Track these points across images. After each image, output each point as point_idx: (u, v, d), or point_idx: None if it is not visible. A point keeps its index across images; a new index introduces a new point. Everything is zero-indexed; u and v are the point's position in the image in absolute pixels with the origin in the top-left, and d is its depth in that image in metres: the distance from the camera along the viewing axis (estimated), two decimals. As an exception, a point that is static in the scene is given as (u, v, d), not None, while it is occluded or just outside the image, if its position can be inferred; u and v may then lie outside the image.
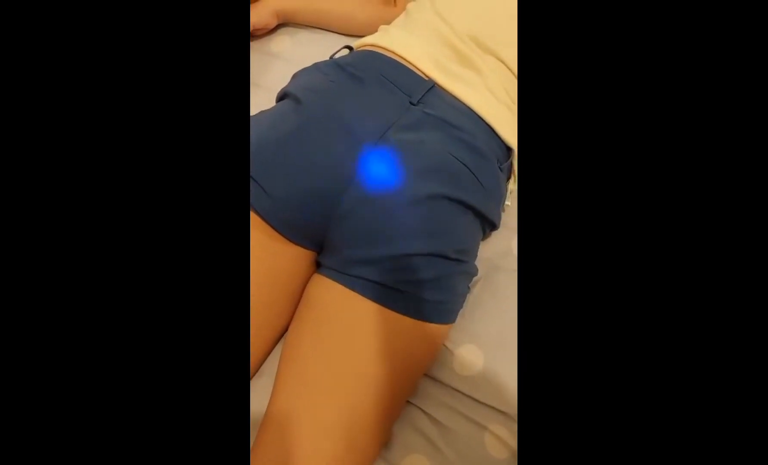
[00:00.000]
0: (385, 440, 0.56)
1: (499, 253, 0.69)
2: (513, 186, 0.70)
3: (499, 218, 0.67)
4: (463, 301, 0.63)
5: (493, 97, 0.64)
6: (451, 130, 0.60)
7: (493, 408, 0.58)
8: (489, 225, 0.66)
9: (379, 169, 0.55)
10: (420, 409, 0.59)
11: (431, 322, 0.57)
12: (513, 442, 0.56)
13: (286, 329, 0.62)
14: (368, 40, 0.70)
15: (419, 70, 0.64)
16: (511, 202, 0.71)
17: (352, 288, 0.55)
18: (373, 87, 0.61)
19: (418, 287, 0.55)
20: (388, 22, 0.74)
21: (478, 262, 0.67)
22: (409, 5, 0.73)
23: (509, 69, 0.65)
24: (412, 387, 0.59)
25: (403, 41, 0.67)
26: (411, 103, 0.61)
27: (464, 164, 0.58)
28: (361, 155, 0.56)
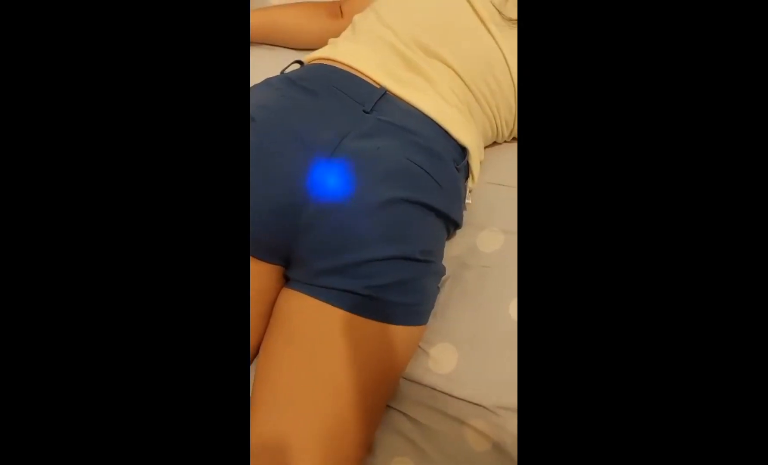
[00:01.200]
0: (368, 447, 0.57)
1: (466, 251, 0.70)
2: (472, 185, 0.71)
3: (462, 217, 0.68)
4: (434, 301, 0.64)
5: (443, 101, 0.66)
6: (405, 135, 0.61)
7: (470, 403, 0.58)
8: (452, 224, 0.67)
9: (337, 179, 0.56)
10: (400, 412, 0.59)
11: (404, 325, 0.58)
12: (493, 433, 0.56)
13: (257, 349, 0.61)
14: (318, 53, 0.71)
15: (370, 78, 0.65)
16: (472, 200, 0.73)
17: (322, 299, 0.55)
18: (326, 99, 0.61)
19: (387, 292, 0.56)
20: (337, 35, 0.75)
21: (445, 262, 0.68)
22: (356, 17, 0.74)
23: (455, 72, 0.67)
24: (390, 391, 0.59)
25: (352, 52, 0.67)
26: (364, 111, 0.62)
27: (421, 167, 0.59)
28: (318, 166, 0.56)
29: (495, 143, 0.79)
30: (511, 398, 0.58)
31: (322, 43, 0.75)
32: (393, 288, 0.56)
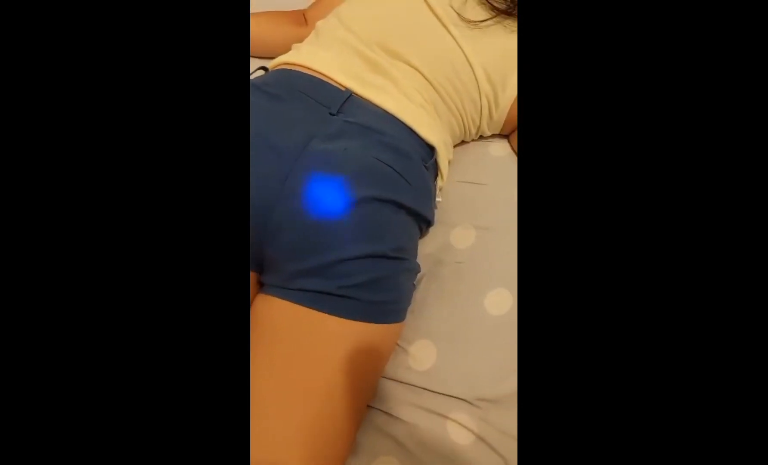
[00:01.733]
0: (350, 447, 0.56)
1: (440, 248, 0.71)
2: (442, 183, 0.72)
3: (433, 215, 0.68)
4: (410, 298, 0.64)
5: (409, 100, 0.66)
6: (373, 135, 0.61)
7: (451, 397, 0.58)
8: (424, 222, 0.67)
9: (306, 181, 0.56)
10: (382, 411, 0.59)
11: (381, 323, 0.58)
12: (475, 426, 0.57)
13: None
14: (282, 58, 0.71)
15: (335, 81, 0.65)
16: (442, 199, 0.73)
17: (297, 301, 0.55)
18: (292, 103, 0.62)
19: (361, 291, 0.55)
20: (301, 41, 0.76)
21: (420, 259, 0.69)
22: (319, 23, 0.75)
23: (419, 72, 0.68)
24: (371, 391, 0.59)
25: (317, 56, 0.68)
26: (331, 113, 0.62)
27: (390, 165, 0.60)
28: (286, 170, 0.56)
29: (463, 142, 0.80)
30: (491, 390, 0.58)
31: (287, 50, 0.75)
32: (367, 286, 0.56)
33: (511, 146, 0.80)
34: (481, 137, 0.80)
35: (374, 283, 0.56)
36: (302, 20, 0.87)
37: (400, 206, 0.60)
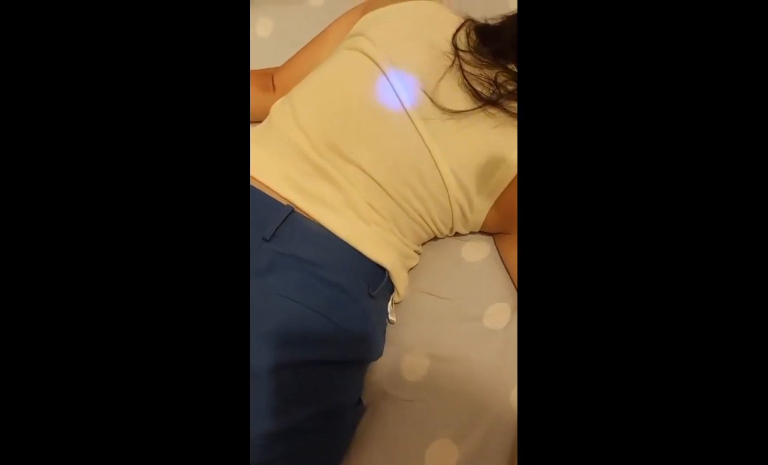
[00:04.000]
0: None
1: (387, 377, 0.63)
2: (398, 298, 0.63)
3: (379, 349, 0.61)
4: (347, 447, 0.58)
5: (357, 217, 0.57)
6: (308, 269, 0.53)
7: None
8: (366, 362, 0.60)
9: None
10: None
11: None
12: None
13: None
14: None
15: (276, 193, 0.57)
16: (396, 317, 0.65)
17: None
18: None
19: None
20: (267, 109, 0.66)
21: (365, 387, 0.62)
22: (273, 107, 0.65)
23: (371, 177, 0.58)
24: None
25: (260, 161, 0.59)
26: (264, 239, 0.54)
27: (322, 314, 0.52)
28: None
29: (435, 237, 0.70)
30: None
31: (254, 117, 0.67)
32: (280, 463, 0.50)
33: (498, 248, 0.69)
34: (457, 234, 0.69)
35: (287, 459, 0.50)
36: (270, 85, 0.76)
37: (329, 363, 0.53)
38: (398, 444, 0.59)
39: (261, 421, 0.49)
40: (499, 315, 0.64)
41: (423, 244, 0.69)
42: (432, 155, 0.58)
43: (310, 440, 0.52)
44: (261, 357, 0.49)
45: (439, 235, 0.68)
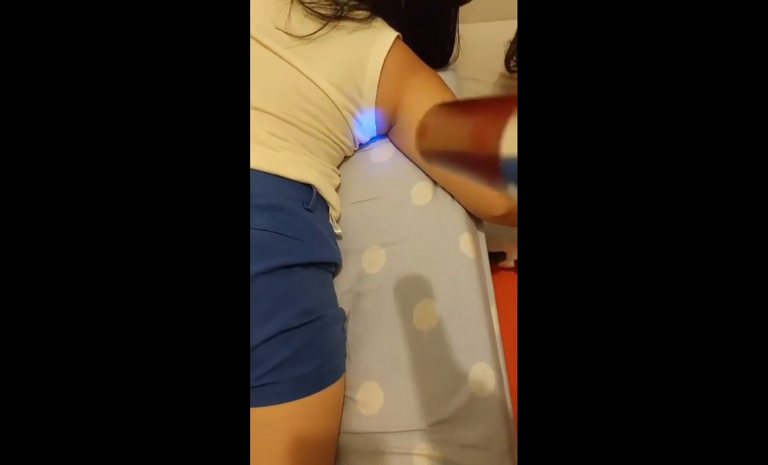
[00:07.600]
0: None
1: (355, 280, 0.70)
2: (335, 213, 0.70)
3: (336, 252, 0.67)
4: (343, 348, 0.63)
5: (266, 148, 0.62)
6: None
7: (408, 431, 0.59)
8: (328, 265, 0.66)
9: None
10: (347, 470, 0.60)
11: (317, 391, 0.57)
12: (438, 451, 0.58)
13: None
14: None
15: None
16: (341, 229, 0.72)
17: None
18: None
19: (282, 371, 0.54)
20: None
21: (340, 299, 0.68)
22: None
23: (264, 111, 0.64)
24: (331, 457, 0.59)
25: None
26: None
27: (266, 230, 0.57)
28: None
29: (346, 157, 0.77)
30: (443, 410, 0.59)
31: None
32: (287, 364, 0.54)
33: (397, 142, 0.77)
34: (361, 145, 0.78)
35: (293, 357, 0.55)
36: None
37: (290, 267, 0.58)
38: (386, 324, 0.66)
39: (255, 332, 0.53)
40: (424, 192, 0.73)
41: (338, 165, 0.76)
42: (304, 74, 0.64)
43: (303, 335, 0.56)
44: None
45: (348, 152, 0.76)
